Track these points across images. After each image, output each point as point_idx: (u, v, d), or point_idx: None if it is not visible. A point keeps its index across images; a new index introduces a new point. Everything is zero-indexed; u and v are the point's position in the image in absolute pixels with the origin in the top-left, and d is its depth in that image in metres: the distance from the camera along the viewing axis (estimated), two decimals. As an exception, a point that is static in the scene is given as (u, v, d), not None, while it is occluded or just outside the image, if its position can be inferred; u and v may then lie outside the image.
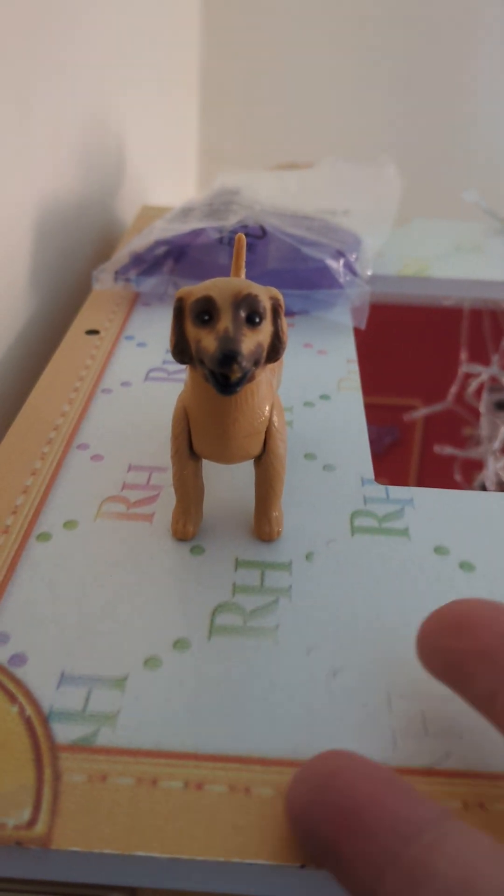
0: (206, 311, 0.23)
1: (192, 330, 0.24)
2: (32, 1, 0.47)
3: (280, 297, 0.25)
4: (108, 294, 0.50)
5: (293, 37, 1.21)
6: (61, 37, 0.53)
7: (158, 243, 0.50)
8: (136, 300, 0.50)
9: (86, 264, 0.62)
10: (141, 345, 0.44)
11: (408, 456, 0.84)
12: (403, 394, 0.81)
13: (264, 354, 0.25)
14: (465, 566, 0.29)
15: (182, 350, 0.25)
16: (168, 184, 1.00)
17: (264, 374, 0.26)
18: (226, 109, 1.25)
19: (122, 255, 0.50)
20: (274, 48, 1.22)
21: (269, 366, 0.28)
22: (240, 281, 0.24)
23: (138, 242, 0.51)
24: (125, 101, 0.73)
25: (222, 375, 0.23)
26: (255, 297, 0.23)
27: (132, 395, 0.39)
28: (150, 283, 0.49)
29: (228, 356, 0.22)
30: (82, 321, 0.47)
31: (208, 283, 0.24)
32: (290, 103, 1.25)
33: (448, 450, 0.79)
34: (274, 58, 1.22)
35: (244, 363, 0.23)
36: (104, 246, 0.67)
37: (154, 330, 0.46)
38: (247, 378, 0.24)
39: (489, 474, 0.73)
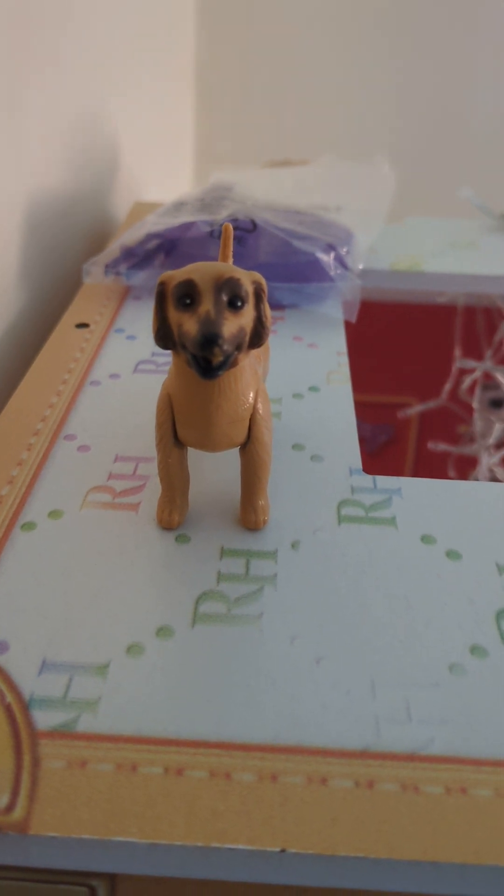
0: (187, 295, 0.23)
1: (174, 314, 0.24)
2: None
3: (263, 281, 0.25)
4: (99, 287, 0.50)
5: (289, 33, 1.21)
6: (54, 30, 0.53)
7: (149, 237, 0.49)
8: (126, 294, 0.50)
9: (77, 258, 0.61)
10: (130, 338, 0.44)
11: (402, 453, 0.84)
12: (398, 391, 0.81)
13: (247, 339, 0.24)
14: (452, 555, 0.28)
15: (165, 335, 0.25)
16: (162, 180, 1.00)
17: (248, 361, 0.26)
18: (221, 106, 1.25)
19: (112, 248, 0.50)
20: (270, 44, 1.22)
21: (254, 353, 0.28)
22: (222, 265, 0.24)
23: (129, 236, 0.50)
24: (119, 95, 0.73)
25: (204, 359, 0.23)
26: (237, 280, 0.23)
27: (121, 387, 0.39)
28: (140, 277, 0.49)
29: (209, 339, 0.22)
30: (73, 314, 0.47)
31: (190, 266, 0.24)
32: (286, 100, 1.25)
33: (442, 446, 0.79)
34: (270, 54, 1.22)
35: (225, 346, 0.23)
36: (96, 241, 0.67)
37: (144, 323, 0.46)
38: (229, 362, 0.24)
39: (483, 470, 0.73)
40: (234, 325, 0.23)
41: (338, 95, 1.24)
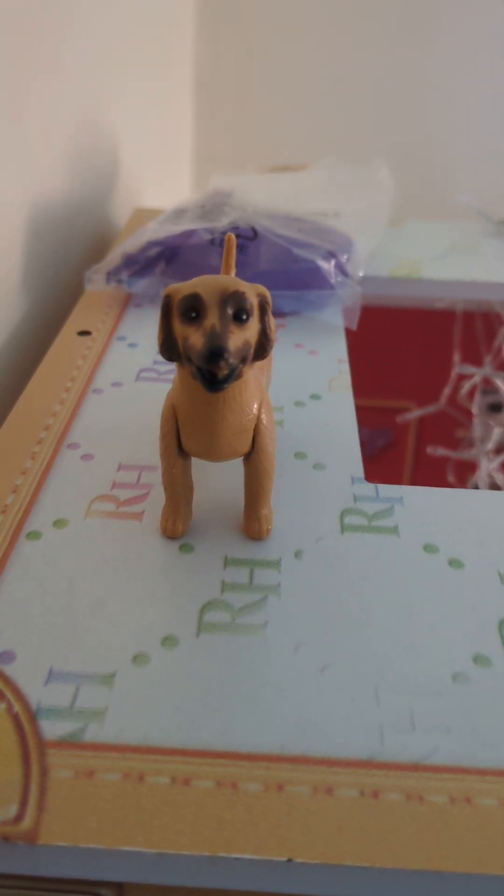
0: (193, 309, 0.23)
1: (179, 327, 0.24)
2: (26, 0, 0.47)
3: (267, 294, 0.25)
4: (101, 295, 0.50)
5: (288, 38, 1.21)
6: (55, 37, 0.53)
7: (150, 244, 0.50)
8: (128, 301, 0.50)
9: (78, 266, 0.62)
10: (132, 345, 0.44)
11: (401, 458, 0.84)
12: (397, 396, 0.81)
13: (252, 352, 0.25)
14: (454, 563, 0.29)
15: (170, 347, 0.25)
16: (162, 186, 1.01)
17: (252, 372, 0.26)
18: (220, 112, 1.26)
19: (114, 256, 0.50)
20: (269, 50, 1.22)
21: (258, 364, 0.28)
22: (227, 278, 0.24)
23: (131, 244, 0.51)
24: (119, 102, 0.73)
25: (209, 372, 0.23)
26: (242, 294, 0.23)
27: (123, 395, 0.39)
28: (141, 285, 0.49)
29: (215, 352, 0.22)
30: (74, 322, 0.47)
31: (196, 280, 0.24)
32: (285, 105, 1.25)
33: (441, 451, 0.79)
34: (269, 59, 1.23)
35: (231, 360, 0.23)
36: (97, 247, 0.67)
37: (145, 331, 0.46)
38: (234, 375, 0.24)
39: (482, 476, 0.74)
40: (240, 338, 0.23)
41: (337, 99, 1.25)
